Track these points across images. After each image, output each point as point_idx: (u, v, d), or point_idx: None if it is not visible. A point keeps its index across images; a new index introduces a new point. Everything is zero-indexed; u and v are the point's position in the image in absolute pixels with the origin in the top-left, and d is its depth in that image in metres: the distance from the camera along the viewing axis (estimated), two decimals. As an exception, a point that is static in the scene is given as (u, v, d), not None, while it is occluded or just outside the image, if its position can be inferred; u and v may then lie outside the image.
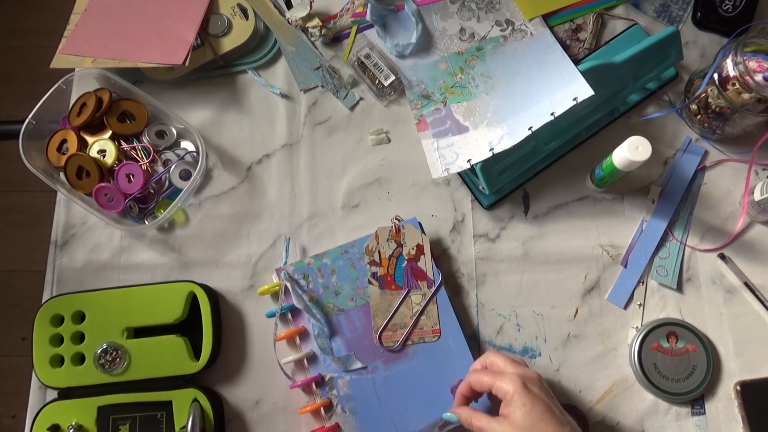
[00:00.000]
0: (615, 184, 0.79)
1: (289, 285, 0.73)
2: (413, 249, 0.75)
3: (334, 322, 0.74)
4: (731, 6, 0.83)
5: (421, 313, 0.74)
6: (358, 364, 0.73)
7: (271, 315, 0.74)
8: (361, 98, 0.84)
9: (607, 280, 0.77)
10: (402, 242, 0.75)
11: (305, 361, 0.73)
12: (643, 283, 0.77)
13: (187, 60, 0.80)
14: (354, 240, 0.76)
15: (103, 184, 0.77)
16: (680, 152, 0.81)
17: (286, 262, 0.77)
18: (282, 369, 0.72)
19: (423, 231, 0.76)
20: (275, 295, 0.77)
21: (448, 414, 0.67)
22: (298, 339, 0.75)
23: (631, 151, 0.67)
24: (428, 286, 0.74)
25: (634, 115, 0.82)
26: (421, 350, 0.73)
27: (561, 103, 0.71)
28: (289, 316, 0.75)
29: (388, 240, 0.75)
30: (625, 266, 0.77)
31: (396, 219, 0.76)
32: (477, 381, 0.64)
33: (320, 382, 0.73)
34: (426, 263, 0.75)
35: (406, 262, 0.75)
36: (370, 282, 0.75)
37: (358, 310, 0.74)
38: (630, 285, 0.77)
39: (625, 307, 0.76)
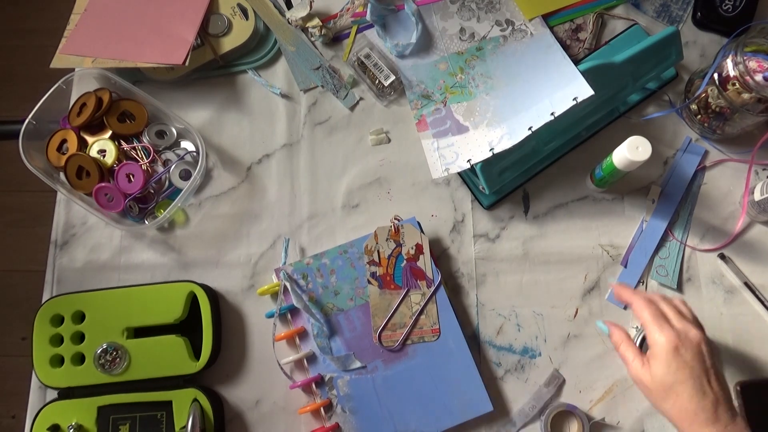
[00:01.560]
0: (615, 184, 0.79)
1: (288, 285, 0.73)
2: (412, 248, 0.75)
3: (333, 322, 0.74)
4: (731, 6, 0.83)
5: (421, 312, 0.74)
6: (358, 364, 0.73)
7: (271, 315, 0.74)
8: (361, 98, 0.84)
9: (607, 280, 0.77)
10: (401, 242, 0.75)
11: (305, 361, 0.74)
12: (643, 283, 0.77)
13: (187, 60, 0.80)
14: (353, 240, 0.76)
15: (103, 184, 0.77)
16: (680, 152, 0.81)
17: (285, 263, 0.77)
18: (282, 369, 0.72)
19: (422, 230, 0.76)
20: (275, 296, 0.77)
21: (602, 324, 0.66)
22: (297, 339, 0.75)
23: (631, 151, 0.67)
24: (427, 286, 0.74)
25: (634, 115, 0.82)
26: (421, 350, 0.73)
27: (561, 103, 0.71)
28: (289, 316, 0.75)
29: (387, 239, 0.75)
30: (625, 266, 0.77)
31: (395, 219, 0.76)
32: (637, 313, 0.63)
33: (320, 382, 0.73)
34: (425, 263, 0.75)
35: (405, 261, 0.75)
36: (369, 282, 0.75)
37: (357, 310, 0.74)
38: (630, 285, 0.77)
39: (625, 308, 0.76)
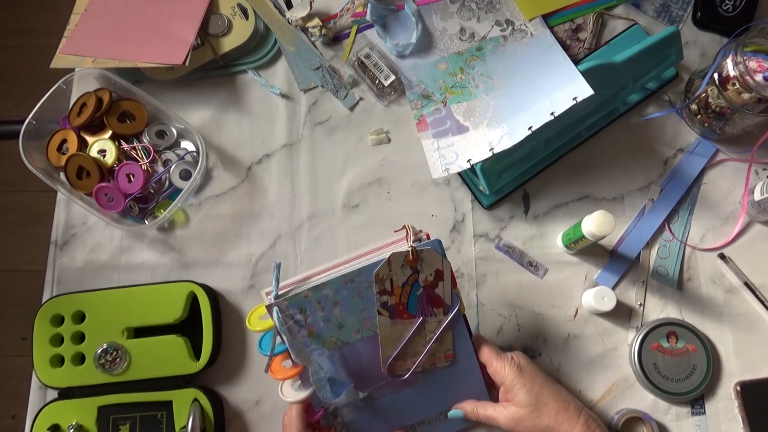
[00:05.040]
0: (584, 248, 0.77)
1: (279, 328, 0.62)
2: (431, 275, 0.65)
3: (336, 356, 0.65)
4: (731, 6, 0.83)
5: (435, 340, 0.67)
6: (360, 395, 0.66)
7: (266, 353, 0.65)
8: (361, 98, 0.84)
9: (607, 280, 0.77)
10: (419, 268, 0.65)
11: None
12: (642, 282, 0.77)
13: (187, 60, 0.80)
14: (361, 267, 0.64)
15: (103, 184, 0.77)
16: (687, 153, 0.80)
17: (276, 294, 0.63)
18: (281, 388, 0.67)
19: (444, 255, 0.65)
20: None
21: (453, 411, 0.68)
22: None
23: (597, 300, 0.72)
24: (444, 312, 0.66)
25: (634, 115, 0.82)
26: (431, 374, 0.68)
27: (561, 103, 0.71)
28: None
29: (402, 266, 0.64)
30: (612, 255, 0.77)
31: (413, 235, 0.65)
32: (481, 357, 0.68)
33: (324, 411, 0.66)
34: (445, 289, 0.66)
35: (421, 289, 0.65)
36: (379, 312, 0.65)
37: (364, 342, 0.65)
38: (620, 268, 0.77)
39: (614, 288, 0.76)
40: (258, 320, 0.67)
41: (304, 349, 0.64)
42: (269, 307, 0.63)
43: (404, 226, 0.66)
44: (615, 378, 0.75)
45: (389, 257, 0.64)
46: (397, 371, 0.67)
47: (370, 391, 0.67)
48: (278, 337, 0.63)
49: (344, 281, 0.64)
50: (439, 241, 0.65)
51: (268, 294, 0.64)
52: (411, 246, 0.64)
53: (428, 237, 0.66)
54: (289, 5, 0.87)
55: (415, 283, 0.65)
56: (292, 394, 0.65)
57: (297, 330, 0.64)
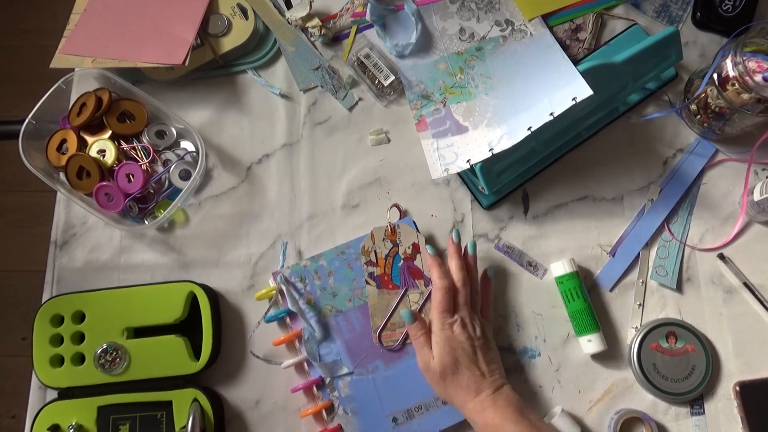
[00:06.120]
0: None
1: (284, 288, 0.73)
2: (409, 248, 0.76)
3: (332, 324, 0.74)
4: (731, 6, 0.83)
5: (420, 311, 0.74)
6: (345, 370, 0.72)
7: (270, 320, 0.74)
8: (360, 98, 0.84)
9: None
10: (398, 241, 0.76)
11: (305, 364, 0.73)
12: (642, 282, 0.77)
13: (187, 60, 0.80)
14: (350, 241, 0.76)
15: (103, 184, 0.77)
16: (686, 154, 0.80)
17: (283, 265, 0.77)
18: (260, 359, 0.72)
19: (418, 230, 0.76)
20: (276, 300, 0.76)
21: (405, 311, 0.71)
22: (297, 342, 0.74)
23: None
24: (425, 285, 0.75)
25: (634, 115, 0.82)
26: None
27: (560, 103, 0.71)
28: (288, 320, 0.75)
29: (383, 240, 0.76)
30: (613, 255, 0.77)
31: (394, 207, 0.76)
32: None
33: (321, 383, 0.73)
34: (422, 262, 0.75)
35: (402, 261, 0.75)
36: (367, 282, 0.75)
37: (356, 311, 0.74)
38: (620, 268, 0.77)
39: (611, 290, 0.77)
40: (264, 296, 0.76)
41: (302, 306, 0.73)
42: (274, 274, 0.75)
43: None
44: (614, 378, 0.75)
45: (372, 231, 0.76)
46: (387, 343, 0.73)
47: (361, 362, 0.73)
48: (275, 306, 0.74)
49: (336, 253, 0.76)
50: (411, 219, 0.78)
51: (274, 275, 0.75)
52: (389, 221, 0.76)
53: (401, 216, 0.79)
54: (289, 5, 0.87)
55: (396, 255, 0.75)
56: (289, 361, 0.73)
57: (297, 297, 0.73)
